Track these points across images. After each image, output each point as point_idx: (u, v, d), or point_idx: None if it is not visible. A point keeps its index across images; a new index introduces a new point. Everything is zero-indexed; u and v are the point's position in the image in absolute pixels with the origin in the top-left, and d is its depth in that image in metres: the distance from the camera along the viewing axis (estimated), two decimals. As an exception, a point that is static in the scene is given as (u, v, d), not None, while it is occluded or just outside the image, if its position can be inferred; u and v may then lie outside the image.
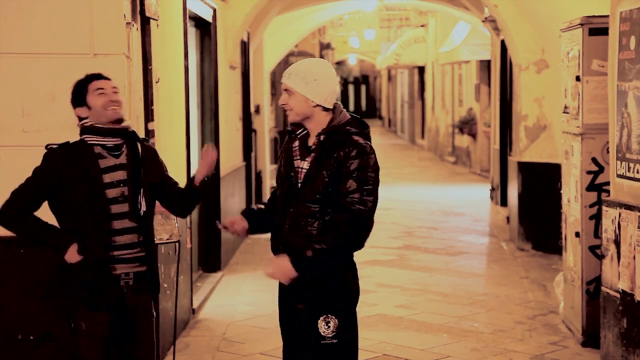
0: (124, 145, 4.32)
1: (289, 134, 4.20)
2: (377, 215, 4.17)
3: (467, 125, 21.28)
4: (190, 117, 7.93)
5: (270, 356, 6.53)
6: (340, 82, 53.38)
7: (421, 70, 31.08)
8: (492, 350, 6.80)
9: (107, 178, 4.26)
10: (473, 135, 21.01)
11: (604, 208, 6.11)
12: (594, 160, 6.78)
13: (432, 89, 28.51)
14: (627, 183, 5.81)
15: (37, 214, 4.33)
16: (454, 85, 24.53)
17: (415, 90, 33.10)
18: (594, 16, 6.74)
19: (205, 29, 9.47)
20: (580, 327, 6.83)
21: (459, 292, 8.70)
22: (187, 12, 7.76)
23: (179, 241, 5.46)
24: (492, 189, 14.88)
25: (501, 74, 13.38)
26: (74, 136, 4.35)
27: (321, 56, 25.84)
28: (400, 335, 7.21)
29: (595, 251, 6.69)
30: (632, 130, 5.69)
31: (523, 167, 10.90)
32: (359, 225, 3.95)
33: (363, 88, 61.16)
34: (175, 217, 5.37)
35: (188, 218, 7.27)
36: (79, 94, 4.32)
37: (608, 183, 6.36)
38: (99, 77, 4.36)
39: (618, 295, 5.83)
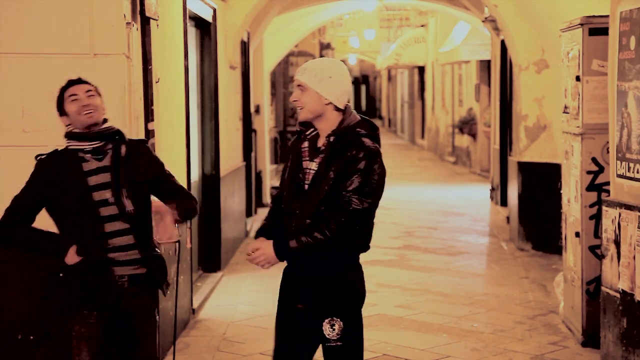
0: (109, 147, 4.31)
1: (298, 134, 4.16)
2: (377, 215, 4.17)
3: (467, 125, 21.28)
4: (190, 117, 7.93)
5: (270, 356, 6.51)
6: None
7: (421, 70, 31.07)
8: (492, 350, 6.80)
9: (92, 181, 4.25)
10: (473, 135, 21.01)
11: (604, 208, 6.11)
12: (594, 160, 6.78)
13: (432, 89, 28.51)
14: (627, 183, 5.81)
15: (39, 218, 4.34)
16: (454, 85, 24.53)
17: (415, 90, 33.10)
18: (594, 16, 6.74)
19: (205, 29, 9.46)
20: (580, 327, 6.83)
21: (459, 292, 8.70)
22: (187, 12, 7.76)
23: (179, 241, 5.44)
24: (492, 189, 14.88)
25: (501, 74, 13.38)
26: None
27: (321, 56, 25.82)
28: (400, 335, 7.21)
29: (595, 251, 6.69)
30: (632, 130, 5.69)
31: (523, 167, 10.90)
32: (351, 225, 3.94)
33: (363, 88, 61.16)
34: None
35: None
36: (59, 103, 4.34)
37: (608, 183, 6.36)
38: (74, 82, 4.35)
39: (618, 295, 5.83)
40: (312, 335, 4.08)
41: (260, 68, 14.81)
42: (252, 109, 13.81)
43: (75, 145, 4.30)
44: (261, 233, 4.19)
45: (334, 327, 4.00)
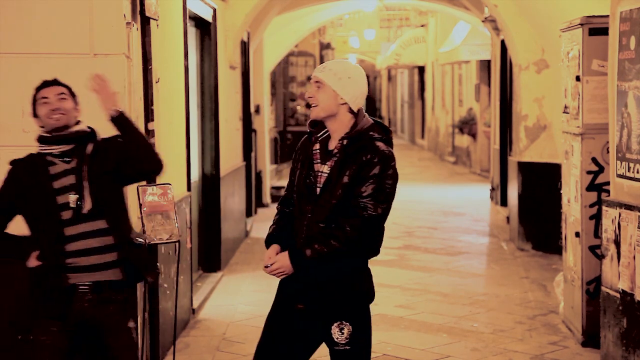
0: (79, 149, 4.24)
1: (308, 135, 4.11)
2: (377, 215, 4.16)
3: (467, 125, 21.28)
4: (190, 117, 7.93)
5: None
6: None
7: (421, 70, 31.07)
8: (492, 350, 6.80)
9: (57, 184, 4.20)
10: (473, 135, 21.01)
11: (604, 208, 6.11)
12: (594, 160, 6.78)
13: (432, 89, 28.51)
14: (627, 183, 5.81)
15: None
16: (454, 85, 24.54)
17: (415, 90, 33.10)
18: (594, 16, 6.74)
19: (205, 29, 9.47)
20: (580, 327, 6.83)
21: (459, 292, 8.70)
22: (187, 12, 7.76)
23: (179, 241, 5.45)
24: (492, 189, 14.88)
25: (501, 74, 13.38)
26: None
27: (321, 56, 25.82)
28: (400, 335, 7.21)
29: (595, 251, 6.69)
30: (632, 130, 5.69)
31: (523, 167, 10.90)
32: (366, 231, 3.92)
33: (363, 88, 61.13)
34: (175, 217, 5.37)
35: (188, 218, 7.27)
36: (33, 105, 4.29)
37: (608, 183, 6.36)
38: (48, 84, 4.30)
39: (618, 295, 5.83)
40: (311, 337, 4.05)
41: (260, 68, 14.81)
42: (252, 109, 13.82)
43: (44, 149, 4.25)
44: (272, 240, 4.10)
45: (343, 331, 3.97)
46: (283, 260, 3.96)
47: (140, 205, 5.24)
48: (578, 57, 6.81)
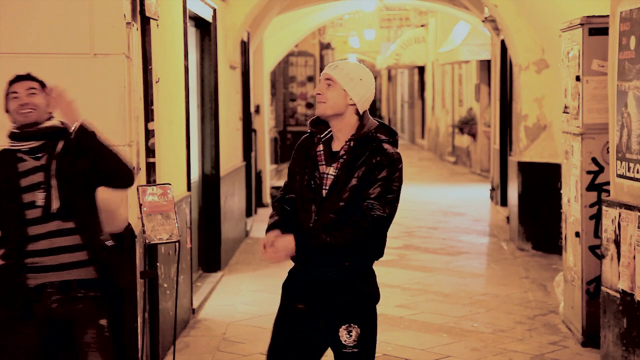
0: (49, 146, 4.17)
1: (311, 136, 4.08)
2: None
3: (467, 125, 21.28)
4: (190, 117, 7.93)
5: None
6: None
7: (421, 70, 31.07)
8: (492, 350, 6.80)
9: (25, 182, 4.14)
10: (473, 135, 21.01)
11: (604, 208, 6.11)
12: (594, 160, 6.78)
13: (432, 89, 28.51)
14: (627, 183, 5.81)
15: None
16: (454, 85, 24.54)
17: (415, 90, 33.10)
18: (594, 16, 6.74)
19: (205, 29, 9.47)
20: (580, 327, 6.83)
21: (459, 292, 8.70)
22: (187, 12, 7.76)
23: (179, 241, 5.46)
24: (492, 189, 14.88)
25: (501, 74, 13.38)
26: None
27: (321, 56, 25.83)
28: (400, 335, 7.21)
29: (595, 251, 6.69)
30: (632, 130, 5.69)
31: (523, 167, 10.90)
32: (373, 232, 3.92)
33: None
34: (175, 217, 5.37)
35: (188, 218, 7.27)
36: (5, 100, 4.23)
37: (608, 183, 6.36)
38: (20, 79, 4.24)
39: (618, 295, 5.83)
40: (319, 339, 4.03)
41: (260, 68, 14.81)
42: (252, 109, 13.82)
43: (14, 145, 4.20)
44: (275, 227, 4.02)
45: (351, 334, 3.95)
46: (287, 242, 3.89)
47: (140, 205, 5.25)
48: (578, 57, 6.81)
